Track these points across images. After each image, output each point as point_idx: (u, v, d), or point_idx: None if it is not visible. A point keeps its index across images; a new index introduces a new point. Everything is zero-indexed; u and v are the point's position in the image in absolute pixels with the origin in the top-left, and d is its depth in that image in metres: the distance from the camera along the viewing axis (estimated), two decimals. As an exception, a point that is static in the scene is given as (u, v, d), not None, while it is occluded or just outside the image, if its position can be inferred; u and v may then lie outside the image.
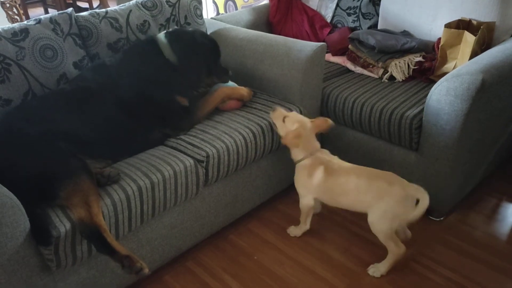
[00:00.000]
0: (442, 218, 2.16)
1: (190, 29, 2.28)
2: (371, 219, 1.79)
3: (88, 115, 1.79)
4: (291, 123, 1.92)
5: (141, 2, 2.29)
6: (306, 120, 1.95)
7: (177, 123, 1.98)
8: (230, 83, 2.22)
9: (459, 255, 1.95)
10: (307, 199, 1.97)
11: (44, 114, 1.74)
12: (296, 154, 1.96)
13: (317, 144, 1.96)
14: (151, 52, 2.04)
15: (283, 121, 1.94)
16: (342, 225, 2.15)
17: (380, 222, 1.77)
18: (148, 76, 1.97)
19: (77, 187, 1.51)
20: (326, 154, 1.95)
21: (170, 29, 2.15)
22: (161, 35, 2.09)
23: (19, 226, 1.40)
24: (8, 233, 1.38)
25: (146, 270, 1.52)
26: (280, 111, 1.98)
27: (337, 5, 2.96)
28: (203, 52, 2.11)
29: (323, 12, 3.04)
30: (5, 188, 1.38)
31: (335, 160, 1.93)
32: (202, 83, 2.13)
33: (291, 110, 2.07)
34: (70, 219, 1.48)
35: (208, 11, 4.74)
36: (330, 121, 1.96)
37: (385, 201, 1.74)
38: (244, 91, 2.17)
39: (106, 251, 1.51)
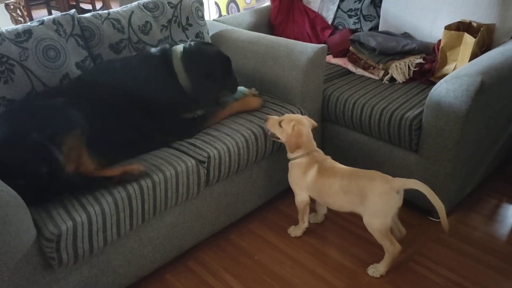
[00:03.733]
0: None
1: (205, 45, 2.17)
2: (365, 220, 1.81)
3: (90, 116, 1.78)
4: (287, 123, 1.93)
5: (143, 3, 2.31)
6: (301, 117, 1.98)
7: (182, 133, 1.98)
8: (240, 88, 2.21)
9: (458, 256, 1.96)
10: (301, 196, 1.99)
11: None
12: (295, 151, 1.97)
13: (314, 143, 1.98)
14: (165, 72, 1.98)
15: (280, 126, 1.95)
16: (342, 226, 2.16)
17: (373, 221, 1.78)
18: (158, 96, 1.93)
19: (72, 141, 1.60)
20: (321, 154, 1.97)
21: (187, 45, 2.03)
22: (178, 54, 2.00)
23: (22, 225, 1.42)
24: (12, 231, 1.39)
25: (142, 168, 1.67)
26: (273, 118, 1.99)
27: (338, 7, 2.98)
28: (217, 76, 2.04)
29: (324, 14, 3.05)
30: (9, 187, 1.40)
31: (329, 160, 1.95)
32: (212, 102, 2.09)
33: (282, 114, 2.04)
34: (72, 217, 1.50)
35: (210, 13, 4.76)
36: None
37: (369, 198, 1.75)
38: (255, 103, 2.17)
39: (105, 184, 1.60)
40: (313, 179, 1.90)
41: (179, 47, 2.04)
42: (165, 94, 1.95)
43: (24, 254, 1.46)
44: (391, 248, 1.80)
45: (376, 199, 1.75)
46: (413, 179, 1.75)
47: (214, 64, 2.03)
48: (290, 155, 1.99)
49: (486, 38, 2.27)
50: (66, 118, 1.65)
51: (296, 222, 2.12)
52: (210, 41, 2.52)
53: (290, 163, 2.00)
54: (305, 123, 1.95)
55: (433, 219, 2.16)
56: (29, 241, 1.45)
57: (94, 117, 1.76)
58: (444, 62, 2.32)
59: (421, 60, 2.41)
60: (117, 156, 1.82)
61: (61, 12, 2.06)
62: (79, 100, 1.79)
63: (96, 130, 1.75)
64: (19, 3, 4.72)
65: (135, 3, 2.31)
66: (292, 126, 1.91)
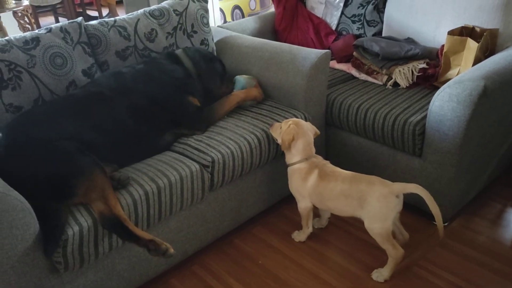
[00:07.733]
0: (445, 224, 2.16)
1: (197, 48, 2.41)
2: (366, 224, 1.82)
3: (98, 120, 1.83)
4: (285, 124, 1.98)
5: (149, 11, 2.34)
6: (302, 121, 2.00)
7: (192, 122, 2.05)
8: (241, 78, 2.31)
9: (462, 260, 1.96)
10: (304, 202, 2.00)
11: (52, 118, 1.77)
12: (293, 156, 1.98)
13: (314, 149, 2.00)
14: (171, 60, 2.19)
15: (280, 128, 1.99)
16: (346, 230, 2.17)
17: (373, 225, 1.79)
18: (163, 78, 2.07)
19: (92, 183, 1.57)
20: (320, 159, 1.99)
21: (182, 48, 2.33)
22: (179, 51, 2.27)
23: (29, 229, 1.44)
24: (19, 235, 1.42)
25: (172, 250, 1.60)
26: (276, 124, 2.03)
27: (342, 12, 2.99)
28: (217, 66, 2.31)
29: (328, 20, 3.07)
30: (16, 191, 1.42)
31: (329, 164, 1.96)
32: (217, 94, 2.25)
33: (286, 119, 2.07)
34: (78, 223, 1.52)
35: (215, 19, 4.79)
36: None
37: (369, 202, 1.77)
38: (256, 92, 2.28)
39: (130, 238, 1.57)
40: (314, 184, 1.91)
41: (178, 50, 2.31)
42: (171, 75, 2.10)
43: (30, 258, 1.48)
44: (393, 252, 1.80)
45: (375, 203, 1.76)
46: (414, 183, 1.76)
47: (210, 55, 2.35)
48: (288, 160, 2.01)
49: (489, 43, 2.28)
50: (79, 164, 1.64)
51: (300, 227, 2.13)
52: (214, 48, 2.56)
53: (289, 169, 2.01)
54: (304, 126, 1.97)
55: (437, 223, 2.17)
56: (35, 245, 1.47)
57: (105, 124, 1.84)
58: (448, 67, 2.33)
59: (424, 65, 2.42)
60: (126, 160, 1.85)
61: (67, 19, 2.09)
62: (87, 111, 1.84)
63: (105, 137, 1.81)
64: (27, 11, 4.78)
65: (141, 10, 2.34)
66: (288, 125, 1.95)
